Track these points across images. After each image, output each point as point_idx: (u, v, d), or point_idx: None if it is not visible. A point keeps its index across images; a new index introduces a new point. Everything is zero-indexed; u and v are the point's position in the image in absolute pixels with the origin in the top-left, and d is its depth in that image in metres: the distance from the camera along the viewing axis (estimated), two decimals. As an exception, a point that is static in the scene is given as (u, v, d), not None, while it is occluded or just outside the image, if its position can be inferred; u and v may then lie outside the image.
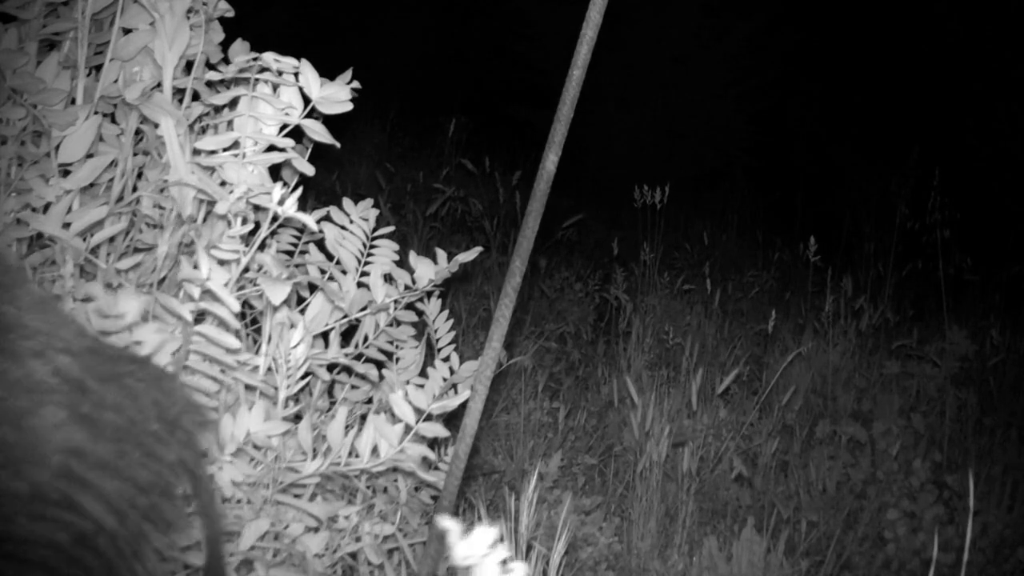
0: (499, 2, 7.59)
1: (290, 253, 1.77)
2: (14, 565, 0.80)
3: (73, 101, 1.56)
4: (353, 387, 1.83)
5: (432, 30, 8.22)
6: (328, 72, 1.50)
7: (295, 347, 1.55)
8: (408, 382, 1.77)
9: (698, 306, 4.03)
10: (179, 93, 1.61)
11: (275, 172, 1.59)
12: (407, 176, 5.12)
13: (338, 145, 1.53)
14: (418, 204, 4.76)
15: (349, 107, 1.49)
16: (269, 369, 1.55)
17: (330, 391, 1.81)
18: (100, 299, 1.24)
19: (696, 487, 2.78)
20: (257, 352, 1.59)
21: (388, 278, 1.74)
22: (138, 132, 1.61)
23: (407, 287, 1.74)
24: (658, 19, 7.07)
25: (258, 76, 1.48)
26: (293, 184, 1.63)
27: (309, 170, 1.55)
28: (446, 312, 1.87)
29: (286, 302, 1.57)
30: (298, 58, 1.48)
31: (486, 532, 0.71)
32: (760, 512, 2.79)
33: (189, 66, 1.62)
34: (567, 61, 1.23)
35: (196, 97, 1.61)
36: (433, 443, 1.74)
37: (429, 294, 1.81)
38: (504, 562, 0.71)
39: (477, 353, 2.47)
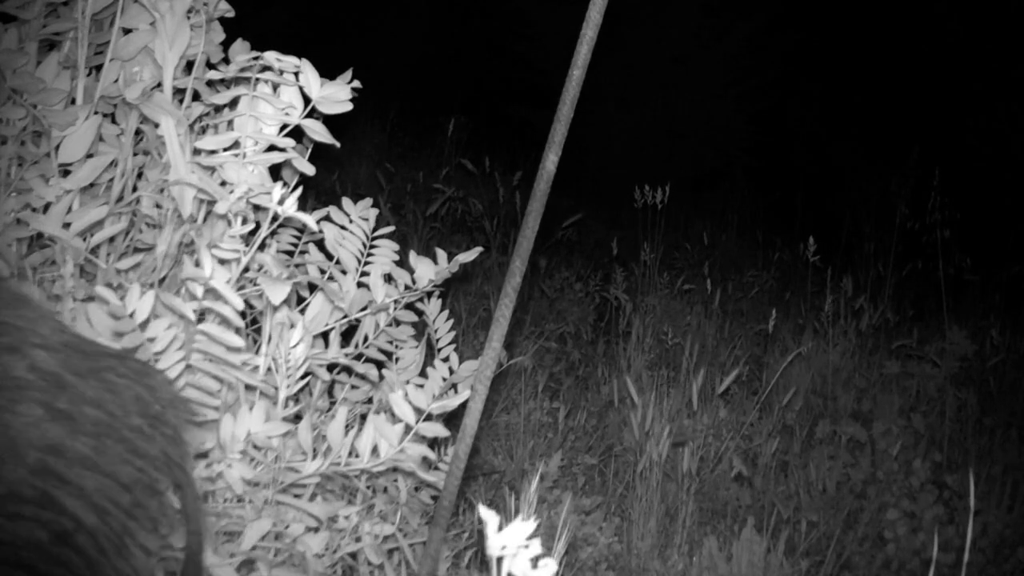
0: (499, 2, 7.58)
1: (290, 253, 1.77)
2: None
3: (73, 101, 1.56)
4: (353, 387, 1.83)
5: (432, 30, 8.22)
6: (328, 72, 1.50)
7: (295, 347, 1.55)
8: (408, 382, 1.77)
9: (698, 306, 4.03)
10: (179, 93, 1.61)
11: (275, 172, 1.59)
12: (407, 176, 5.12)
13: (338, 145, 1.53)
14: (418, 204, 4.76)
15: (349, 107, 1.49)
16: (269, 369, 1.55)
17: (330, 391, 1.81)
18: (110, 298, 1.23)
19: (696, 487, 2.78)
20: (257, 352, 1.59)
21: (388, 278, 1.74)
22: (138, 132, 1.61)
23: (407, 287, 1.74)
24: (658, 19, 7.06)
25: (259, 76, 1.48)
26: (293, 184, 1.63)
27: (309, 170, 1.55)
28: (446, 312, 1.87)
29: (286, 302, 1.57)
30: (298, 58, 1.48)
31: (524, 525, 0.71)
32: (760, 512, 2.79)
33: (189, 66, 1.62)
34: (567, 61, 1.23)
35: (196, 97, 1.61)
36: (433, 443, 1.74)
37: (429, 294, 1.81)
38: (536, 558, 0.71)
39: (477, 353, 2.47)
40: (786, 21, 7.05)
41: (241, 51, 1.57)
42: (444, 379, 1.71)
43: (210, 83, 1.63)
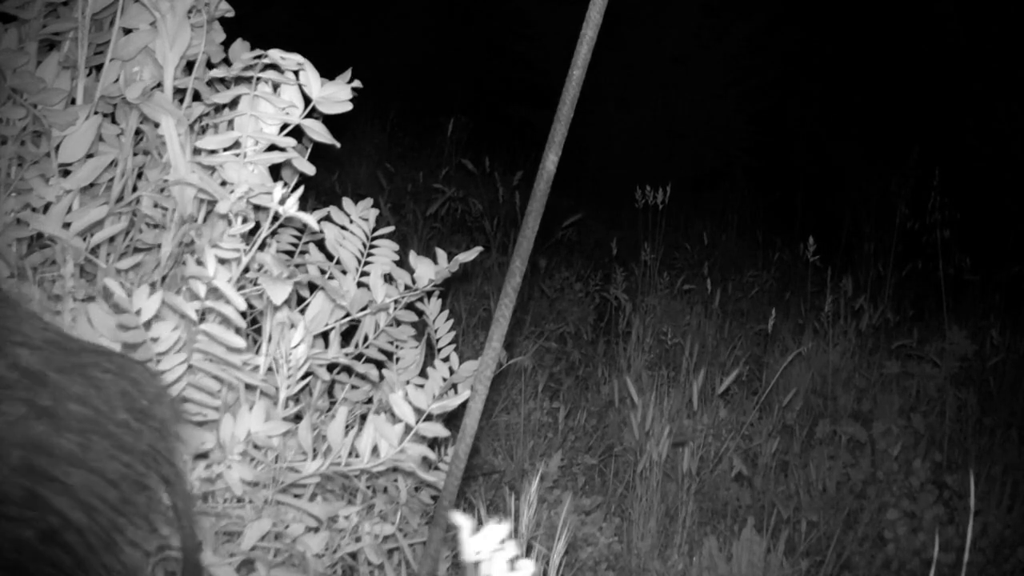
0: (499, 2, 7.58)
1: (290, 253, 1.77)
2: None
3: (73, 101, 1.56)
4: (353, 387, 1.83)
5: (432, 30, 8.21)
6: (328, 72, 1.51)
7: (295, 347, 1.55)
8: (408, 382, 1.77)
9: (698, 306, 4.03)
10: (179, 93, 1.61)
11: (275, 172, 1.59)
12: (407, 176, 5.12)
13: (338, 145, 1.53)
14: (418, 204, 4.76)
15: (349, 107, 1.49)
16: (269, 369, 1.55)
17: (330, 391, 1.81)
18: (116, 290, 1.23)
19: (696, 487, 2.78)
20: (257, 352, 1.59)
21: (388, 278, 1.74)
22: (138, 132, 1.61)
23: (407, 287, 1.74)
24: (658, 19, 7.06)
25: (260, 74, 1.48)
26: (293, 184, 1.63)
27: (309, 170, 1.55)
28: (446, 312, 1.87)
29: (286, 302, 1.57)
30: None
31: (496, 529, 0.72)
32: (760, 512, 2.79)
33: (189, 66, 1.62)
34: (567, 61, 1.23)
35: (197, 97, 1.61)
36: (433, 443, 1.74)
37: (429, 294, 1.81)
38: (512, 560, 0.72)
39: (477, 353, 2.47)
40: (786, 21, 7.06)
41: (242, 51, 1.57)
42: (444, 379, 1.71)
43: (210, 83, 1.63)
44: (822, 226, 4.64)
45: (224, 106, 1.61)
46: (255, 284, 1.56)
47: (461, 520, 0.72)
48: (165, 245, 1.52)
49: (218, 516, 1.45)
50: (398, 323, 1.81)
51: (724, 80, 7.25)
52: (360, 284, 1.71)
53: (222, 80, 1.61)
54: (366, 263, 1.72)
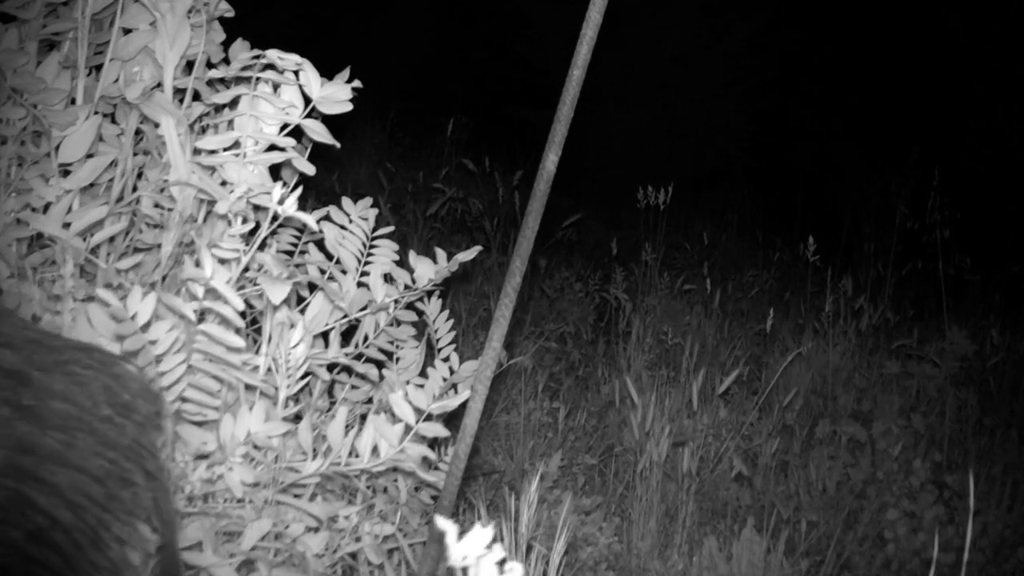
0: (499, 2, 7.58)
1: (290, 253, 1.77)
2: None
3: (73, 101, 1.56)
4: (353, 387, 1.83)
5: (432, 30, 8.22)
6: (328, 72, 1.50)
7: (295, 347, 1.55)
8: (408, 382, 1.77)
9: (698, 306, 4.03)
10: (179, 93, 1.61)
11: (275, 172, 1.59)
12: (407, 176, 5.12)
13: (338, 145, 1.53)
14: (418, 204, 4.76)
15: (349, 107, 1.49)
16: (269, 369, 1.55)
17: (330, 391, 1.81)
18: (111, 300, 1.23)
19: (696, 487, 2.78)
20: (257, 352, 1.59)
21: (388, 278, 1.74)
22: (138, 132, 1.61)
23: (407, 287, 1.74)
24: (658, 19, 7.06)
25: (260, 75, 1.48)
26: (293, 184, 1.62)
27: (309, 170, 1.55)
28: (446, 312, 1.87)
29: (286, 302, 1.57)
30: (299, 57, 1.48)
31: (483, 532, 0.71)
32: (760, 512, 2.79)
33: (189, 66, 1.62)
34: (567, 61, 1.23)
35: (196, 97, 1.61)
36: (433, 443, 1.74)
37: (429, 294, 1.81)
38: (501, 562, 0.71)
39: (477, 353, 2.47)
40: (786, 21, 7.06)
41: (241, 50, 1.57)
42: (444, 379, 1.71)
43: (210, 83, 1.63)
44: (822, 226, 4.64)
45: (224, 106, 1.61)
46: (255, 284, 1.56)
47: (447, 525, 0.71)
48: (165, 245, 1.52)
49: (218, 516, 1.45)
50: (398, 323, 1.81)
51: (724, 80, 7.25)
52: (360, 284, 1.71)
53: (222, 80, 1.61)
54: (366, 263, 1.72)
